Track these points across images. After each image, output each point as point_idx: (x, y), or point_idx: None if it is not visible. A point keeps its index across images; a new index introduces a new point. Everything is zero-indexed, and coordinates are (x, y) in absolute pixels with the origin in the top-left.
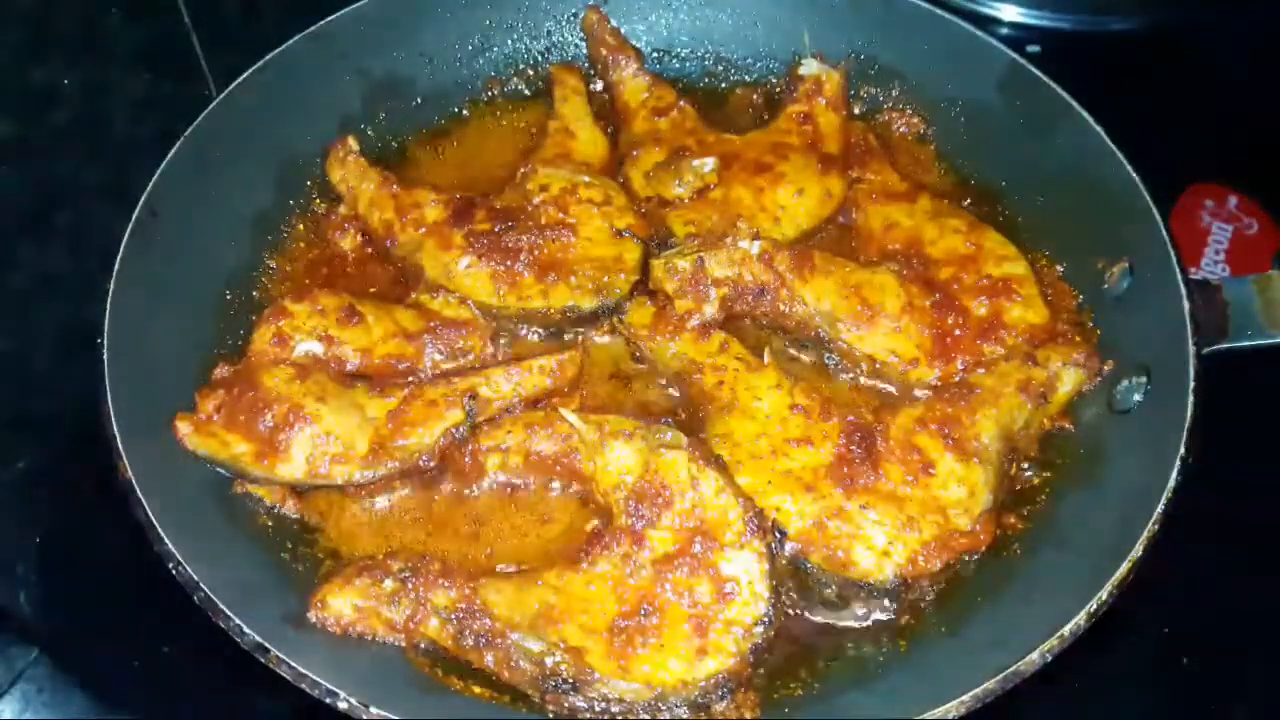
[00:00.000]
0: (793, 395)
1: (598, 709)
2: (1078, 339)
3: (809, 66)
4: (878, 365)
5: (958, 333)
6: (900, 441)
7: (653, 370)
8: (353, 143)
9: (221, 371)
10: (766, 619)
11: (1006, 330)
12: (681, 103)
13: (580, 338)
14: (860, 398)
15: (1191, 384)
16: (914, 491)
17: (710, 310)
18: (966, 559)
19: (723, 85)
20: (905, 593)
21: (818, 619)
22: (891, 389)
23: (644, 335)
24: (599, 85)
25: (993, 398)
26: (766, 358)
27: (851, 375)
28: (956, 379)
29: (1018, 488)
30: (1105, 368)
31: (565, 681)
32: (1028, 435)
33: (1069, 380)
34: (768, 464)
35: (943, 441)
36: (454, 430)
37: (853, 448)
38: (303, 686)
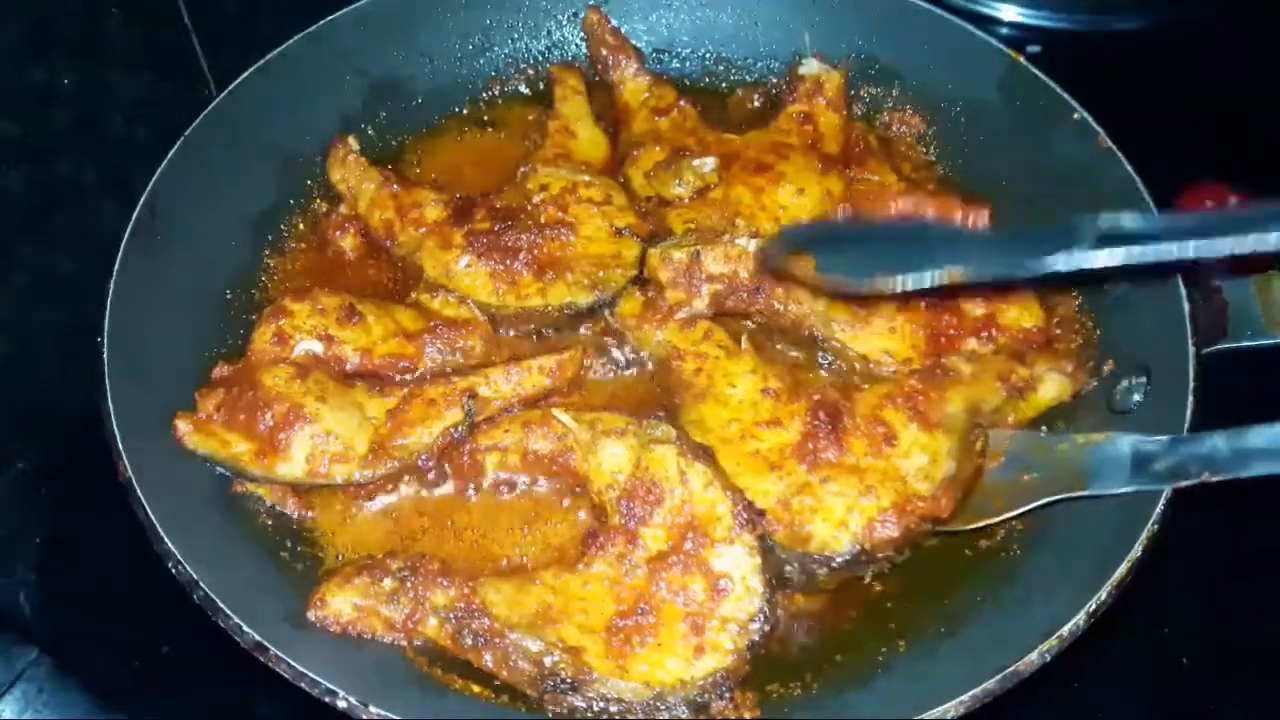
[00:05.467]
0: (766, 380)
1: (596, 709)
2: (1072, 346)
3: (809, 66)
4: (871, 365)
5: (952, 333)
6: (866, 416)
7: (638, 359)
8: (353, 142)
9: (221, 371)
10: (762, 615)
11: (1000, 330)
12: (682, 102)
13: (579, 337)
14: (831, 378)
15: (1191, 384)
16: (875, 462)
17: (700, 305)
18: (931, 529)
19: (723, 85)
20: (867, 564)
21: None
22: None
23: (631, 325)
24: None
25: (969, 381)
26: (744, 343)
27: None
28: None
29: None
30: (1090, 384)
31: (564, 681)
32: (994, 419)
33: (1051, 386)
34: (737, 448)
35: (909, 415)
36: (453, 430)
37: (818, 425)
38: (302, 685)
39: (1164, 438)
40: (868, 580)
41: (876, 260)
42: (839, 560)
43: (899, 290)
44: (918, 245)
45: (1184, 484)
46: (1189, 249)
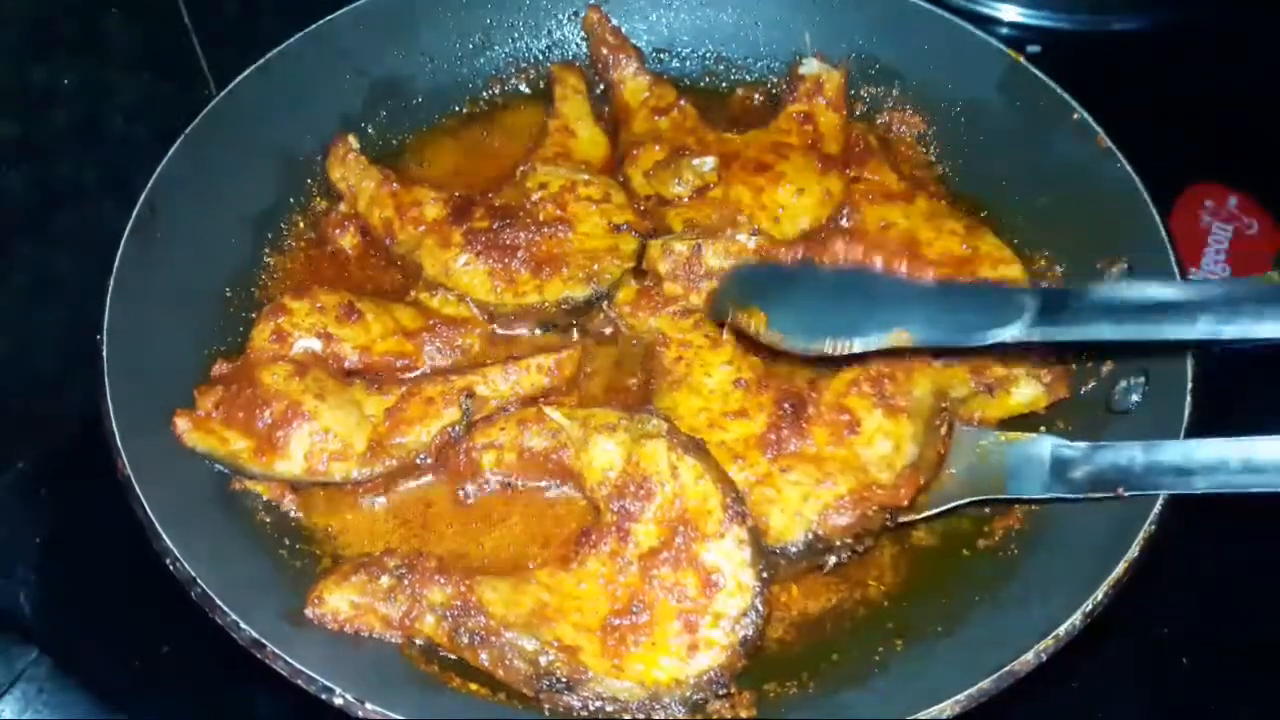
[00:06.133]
0: (740, 371)
1: (592, 708)
2: (1058, 367)
3: (809, 66)
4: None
5: None
6: (831, 405)
7: (635, 349)
8: (353, 141)
9: (220, 368)
10: (754, 609)
11: None
12: (682, 102)
13: (578, 336)
14: (800, 368)
15: (1189, 385)
16: (837, 451)
17: (696, 300)
18: (887, 519)
19: (723, 85)
20: (825, 553)
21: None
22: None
23: (626, 312)
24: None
25: (943, 365)
26: (725, 334)
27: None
28: None
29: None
30: (1063, 395)
31: (559, 680)
32: (961, 409)
33: (1025, 391)
34: (704, 438)
35: (873, 400)
36: (451, 428)
37: (782, 415)
38: (299, 682)
39: (1083, 444)
40: (864, 579)
41: (825, 320)
42: (794, 549)
43: (846, 353)
44: (866, 306)
45: (1099, 495)
46: (1130, 332)
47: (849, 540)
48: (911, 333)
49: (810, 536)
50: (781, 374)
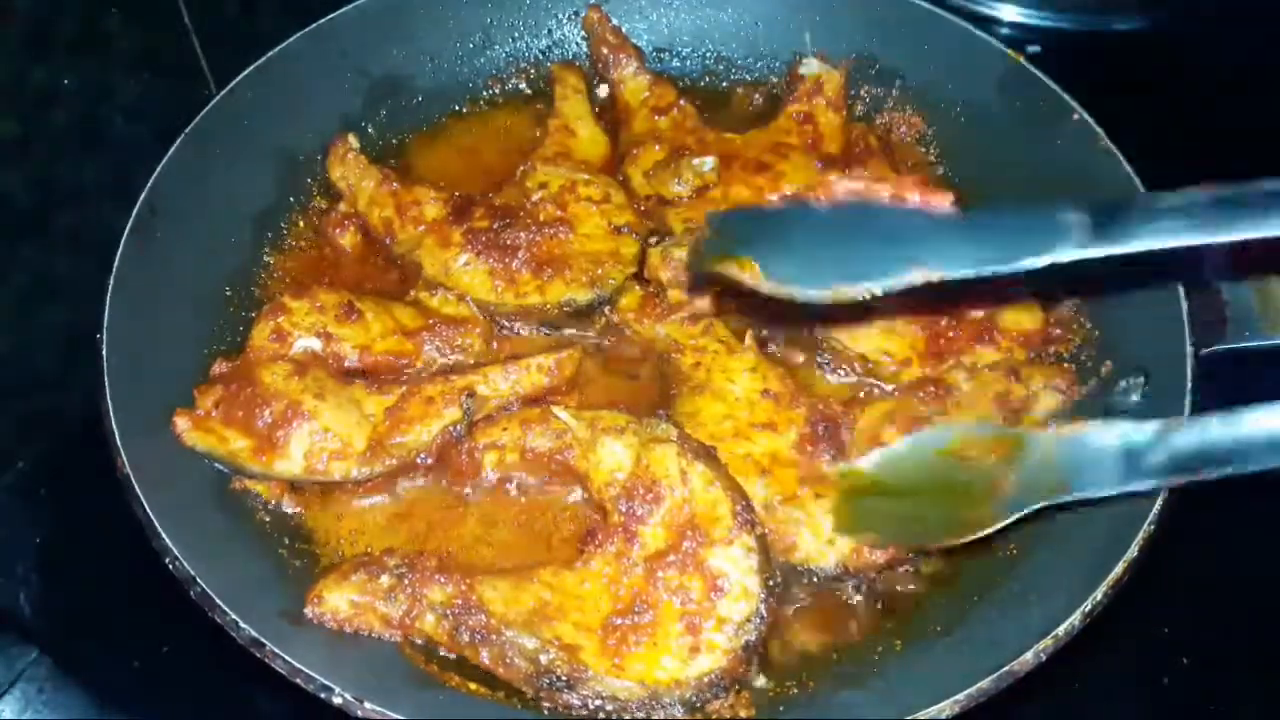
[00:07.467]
0: (766, 380)
1: (592, 707)
2: (1070, 347)
3: (810, 66)
4: (870, 364)
5: (951, 334)
6: (867, 435)
7: (638, 353)
8: (353, 140)
9: (220, 368)
10: (759, 615)
11: (1000, 333)
12: (682, 101)
13: (578, 335)
14: (835, 390)
15: (1189, 385)
16: None
17: (701, 304)
18: (914, 557)
19: (723, 84)
20: (845, 581)
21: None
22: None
23: (631, 319)
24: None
25: (968, 403)
26: (747, 340)
27: (843, 376)
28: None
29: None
30: (1081, 393)
31: (560, 679)
32: None
33: (1046, 402)
34: (728, 446)
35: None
36: (451, 428)
37: (816, 436)
38: (297, 681)
39: (1154, 424)
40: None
41: (829, 264)
42: (820, 574)
43: (862, 298)
44: (876, 243)
45: (1181, 480)
46: (1206, 235)
47: (874, 575)
48: (933, 268)
49: (841, 568)
50: (814, 392)
